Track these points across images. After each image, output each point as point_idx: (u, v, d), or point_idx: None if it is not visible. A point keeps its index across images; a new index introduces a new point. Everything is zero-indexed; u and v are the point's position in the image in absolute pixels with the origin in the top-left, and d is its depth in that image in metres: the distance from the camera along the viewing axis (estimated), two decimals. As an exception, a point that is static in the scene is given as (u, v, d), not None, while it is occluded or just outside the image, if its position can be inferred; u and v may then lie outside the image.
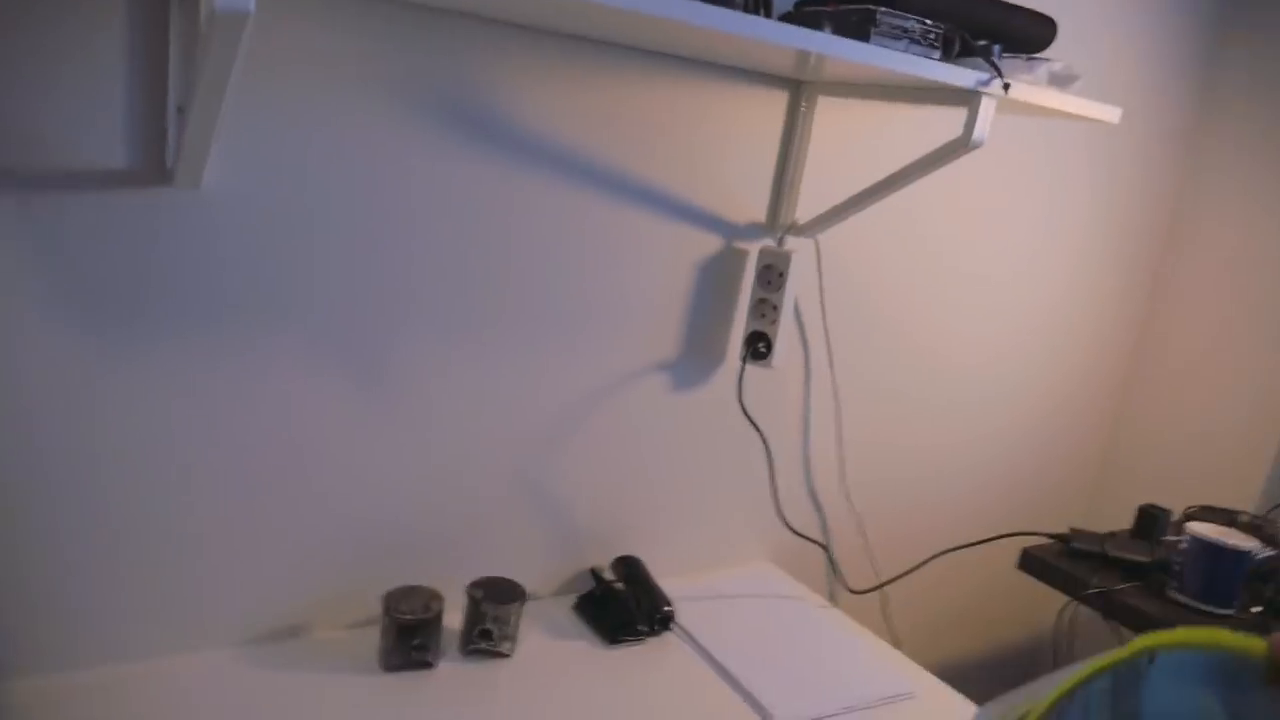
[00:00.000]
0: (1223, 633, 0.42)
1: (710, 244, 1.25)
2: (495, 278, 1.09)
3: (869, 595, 1.57)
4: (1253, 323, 1.76)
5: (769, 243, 1.30)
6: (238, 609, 1.03)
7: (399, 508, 1.10)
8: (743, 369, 1.28)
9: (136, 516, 0.95)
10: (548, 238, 1.11)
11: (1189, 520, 1.64)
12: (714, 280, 1.27)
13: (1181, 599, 1.40)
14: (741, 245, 1.28)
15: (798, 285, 1.32)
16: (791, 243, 1.31)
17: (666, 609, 1.21)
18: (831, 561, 1.52)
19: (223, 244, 0.92)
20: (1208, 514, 1.66)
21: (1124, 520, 1.65)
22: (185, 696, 0.95)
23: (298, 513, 1.04)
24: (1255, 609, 1.40)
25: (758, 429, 1.30)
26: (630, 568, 1.28)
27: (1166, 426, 1.91)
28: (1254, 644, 0.42)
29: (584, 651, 1.15)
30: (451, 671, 1.06)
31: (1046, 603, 1.94)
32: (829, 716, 1.09)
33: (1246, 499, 1.74)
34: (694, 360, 1.29)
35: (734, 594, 1.35)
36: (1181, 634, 0.44)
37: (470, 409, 1.12)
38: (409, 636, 1.02)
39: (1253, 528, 1.64)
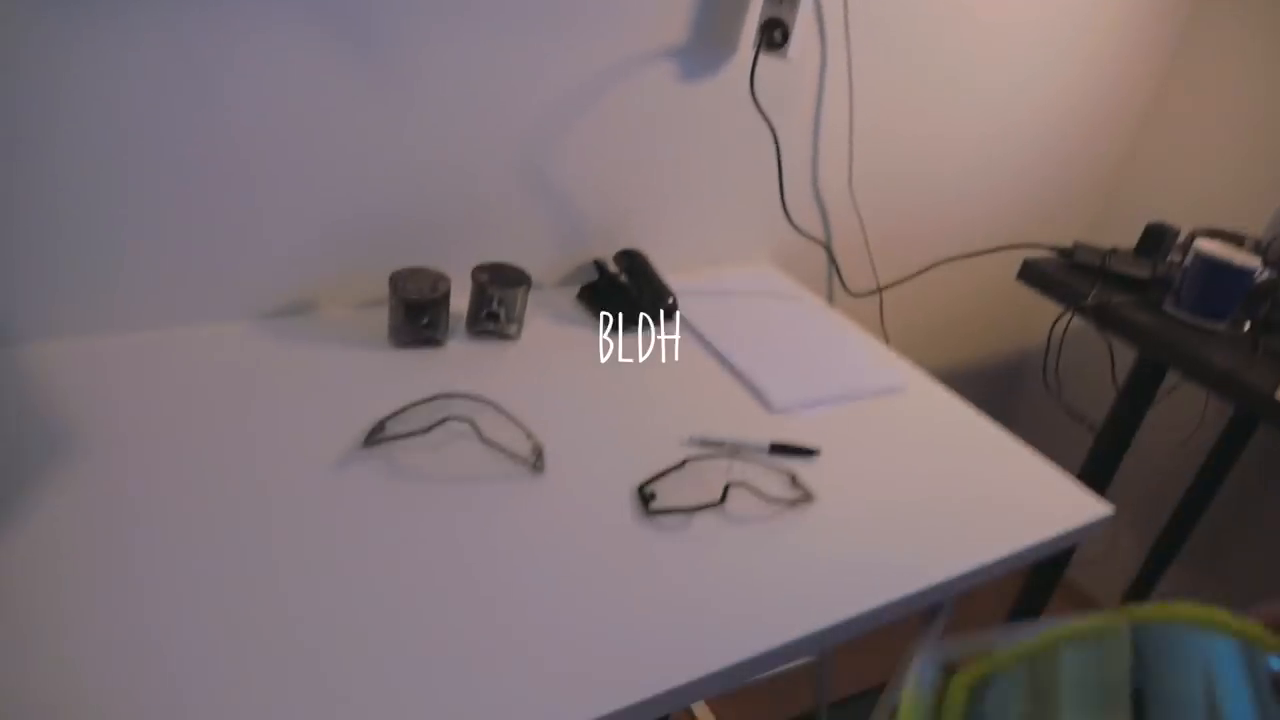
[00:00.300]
0: (1217, 611, 0.36)
1: (731, -84, 1.14)
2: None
3: (866, 299, 1.59)
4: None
5: (795, -83, 1.19)
6: (250, 283, 1.05)
7: (401, 192, 1.09)
8: (756, 58, 1.22)
9: (149, 186, 0.93)
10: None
11: (1196, 240, 1.63)
12: (733, -41, 1.17)
13: (1176, 313, 1.43)
14: (765, -81, 1.17)
15: (823, -32, 1.22)
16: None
17: (669, 300, 1.23)
18: (833, 262, 1.53)
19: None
20: (1215, 237, 1.66)
21: (1131, 238, 1.65)
22: (203, 361, 0.98)
23: (300, 188, 1.02)
24: (1246, 326, 1.43)
25: (768, 121, 1.26)
26: (634, 260, 1.28)
27: (1185, 145, 1.86)
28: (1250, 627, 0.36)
29: (588, 337, 1.18)
30: (459, 349, 1.09)
31: (1042, 315, 1.98)
32: (824, 404, 1.14)
33: (1257, 224, 1.72)
34: (705, 48, 1.22)
35: (736, 290, 1.37)
36: (1166, 609, 0.37)
37: (467, 91, 1.07)
38: (417, 315, 1.04)
39: (1257, 250, 1.64)
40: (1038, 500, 1.03)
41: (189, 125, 0.92)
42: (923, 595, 0.87)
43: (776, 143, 1.29)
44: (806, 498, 0.95)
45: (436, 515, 0.83)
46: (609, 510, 0.89)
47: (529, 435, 0.95)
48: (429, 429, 0.89)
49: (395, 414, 0.93)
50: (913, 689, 0.38)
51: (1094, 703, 0.34)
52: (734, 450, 1.00)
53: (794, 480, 0.98)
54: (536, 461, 0.91)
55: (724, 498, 0.91)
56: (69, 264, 0.93)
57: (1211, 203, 1.81)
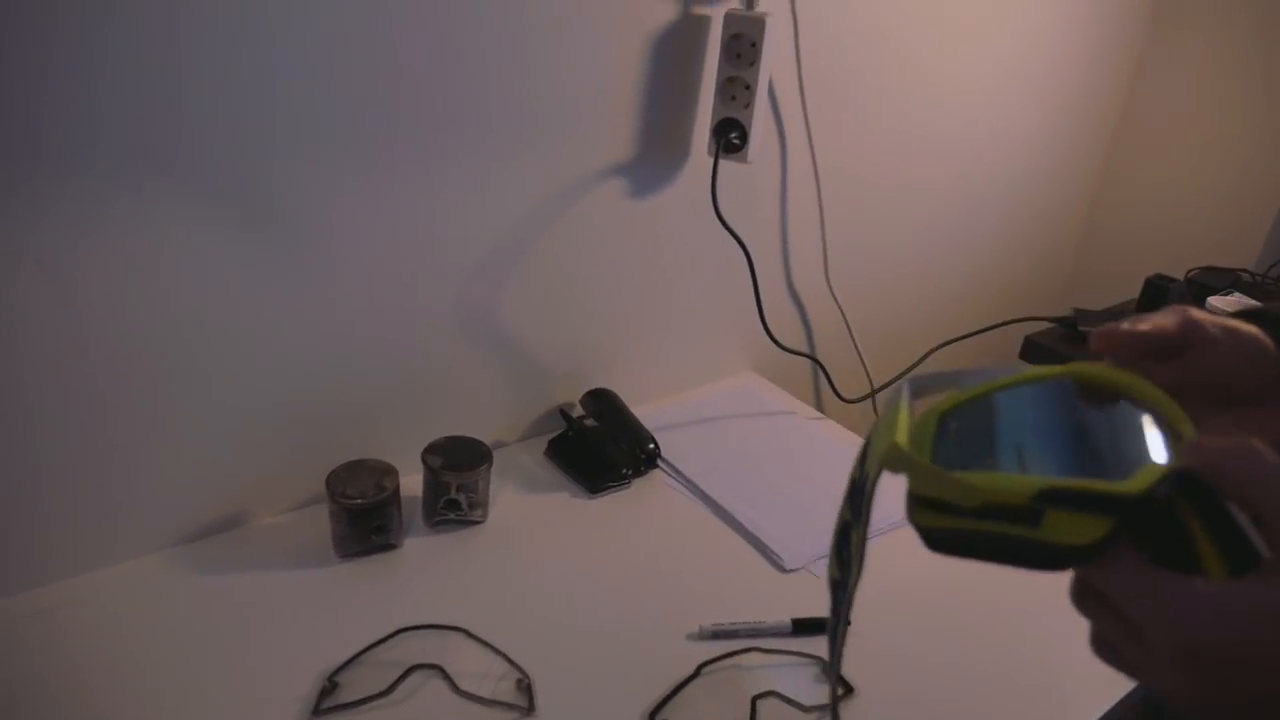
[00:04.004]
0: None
1: (664, 10, 1.01)
2: (383, 85, 0.85)
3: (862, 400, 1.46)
4: (1241, 81, 1.61)
5: (736, 6, 1.07)
6: (162, 509, 0.89)
7: (329, 374, 0.94)
8: (715, 165, 1.09)
9: (28, 428, 0.77)
10: (447, 17, 0.86)
11: (1191, 283, 1.54)
12: (672, 57, 1.04)
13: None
14: (702, 10, 1.05)
15: (772, 59, 1.10)
16: (764, 4, 1.08)
17: (650, 446, 1.09)
18: (824, 371, 1.40)
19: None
20: (1209, 275, 1.56)
21: (1128, 293, 1.55)
22: (120, 608, 0.82)
23: (212, 391, 0.87)
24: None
25: (737, 238, 1.13)
26: (603, 402, 1.14)
27: (1159, 191, 1.79)
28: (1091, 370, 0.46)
29: (564, 504, 1.03)
30: (418, 549, 0.94)
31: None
32: (838, 550, 1.00)
33: (1246, 259, 1.64)
34: (654, 157, 1.09)
35: (719, 415, 1.24)
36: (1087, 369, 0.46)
37: (389, 250, 0.92)
38: (364, 521, 0.89)
39: (1255, 286, 1.55)
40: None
41: (72, 353, 0.77)
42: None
43: (749, 258, 1.15)
44: (848, 691, 0.81)
45: (411, 806, 0.68)
46: (619, 754, 0.74)
47: (512, 665, 0.79)
48: (390, 688, 0.73)
49: (347, 664, 0.77)
50: (892, 410, 0.43)
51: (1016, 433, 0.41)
52: (752, 635, 0.86)
53: (827, 669, 0.83)
54: (525, 702, 0.76)
55: (754, 718, 0.76)
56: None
57: (1198, 243, 1.72)
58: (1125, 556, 0.36)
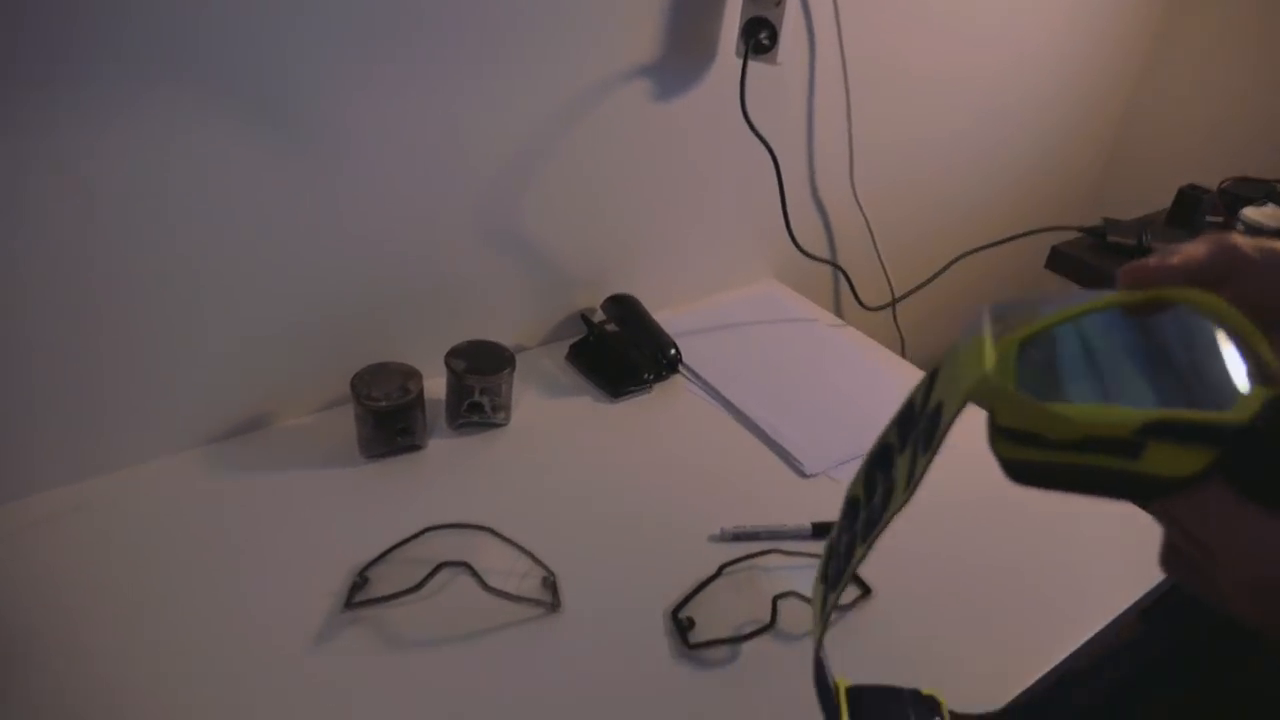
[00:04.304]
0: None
1: (693, -97, 0.98)
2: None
3: (883, 308, 1.45)
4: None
5: (767, -104, 1.03)
6: (188, 409, 0.90)
7: (351, 278, 0.93)
8: (744, 67, 1.06)
9: (54, 328, 0.78)
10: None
11: (1224, 193, 1.50)
12: (701, -47, 1.01)
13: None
14: (733, -98, 1.01)
15: (804, -48, 1.06)
16: (795, -106, 1.03)
17: (671, 351, 1.09)
18: (846, 277, 1.39)
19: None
20: (1243, 185, 1.53)
21: (1159, 204, 1.51)
22: (148, 507, 0.84)
23: (235, 295, 0.86)
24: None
25: (765, 143, 1.10)
26: (624, 307, 1.14)
27: (1194, 99, 1.73)
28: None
29: (586, 408, 1.04)
30: (442, 449, 0.95)
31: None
32: (859, 456, 1.00)
33: (1269, 164, 1.59)
34: (679, 58, 1.06)
35: (741, 321, 1.23)
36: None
37: (407, 153, 0.90)
38: (389, 422, 0.90)
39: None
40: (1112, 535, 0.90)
41: (90, 254, 0.77)
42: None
43: (777, 165, 1.13)
44: (865, 593, 0.82)
45: (442, 685, 0.70)
46: (642, 646, 0.76)
47: (537, 563, 0.81)
48: (420, 584, 0.75)
49: (376, 561, 0.79)
50: (975, 339, 0.40)
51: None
52: (773, 537, 0.87)
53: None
54: (550, 598, 0.78)
55: (774, 616, 0.78)
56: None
57: (1232, 151, 1.68)
58: (1210, 487, 0.35)
